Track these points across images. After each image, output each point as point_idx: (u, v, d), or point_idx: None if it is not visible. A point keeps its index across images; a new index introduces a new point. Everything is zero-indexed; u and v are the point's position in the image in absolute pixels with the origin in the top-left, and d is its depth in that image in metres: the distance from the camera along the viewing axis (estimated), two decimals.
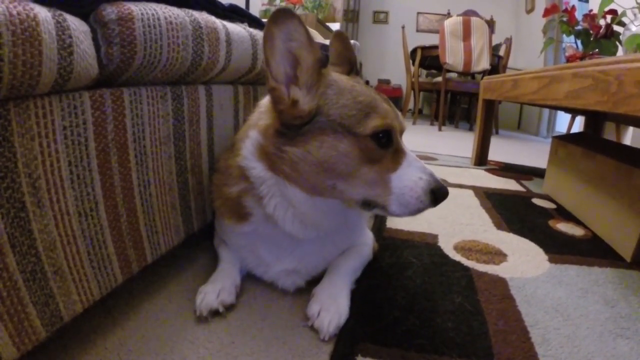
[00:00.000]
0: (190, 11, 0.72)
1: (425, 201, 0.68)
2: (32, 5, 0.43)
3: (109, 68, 0.57)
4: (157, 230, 0.74)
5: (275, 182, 0.73)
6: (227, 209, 0.82)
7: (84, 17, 0.54)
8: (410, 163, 0.70)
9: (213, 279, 0.82)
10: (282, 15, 0.63)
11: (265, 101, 0.79)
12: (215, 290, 0.78)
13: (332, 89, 0.69)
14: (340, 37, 0.91)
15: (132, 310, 0.76)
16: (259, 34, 1.00)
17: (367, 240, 0.97)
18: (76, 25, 0.49)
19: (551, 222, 1.42)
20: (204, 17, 0.75)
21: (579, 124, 3.98)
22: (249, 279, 0.89)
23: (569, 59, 1.85)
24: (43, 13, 0.44)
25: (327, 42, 2.52)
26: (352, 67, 0.88)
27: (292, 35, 0.65)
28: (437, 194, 0.68)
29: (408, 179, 0.69)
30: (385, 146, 0.68)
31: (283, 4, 4.38)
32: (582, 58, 1.78)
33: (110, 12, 0.55)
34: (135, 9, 0.58)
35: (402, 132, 0.76)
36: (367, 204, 0.71)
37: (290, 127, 0.69)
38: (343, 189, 0.70)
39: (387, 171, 0.69)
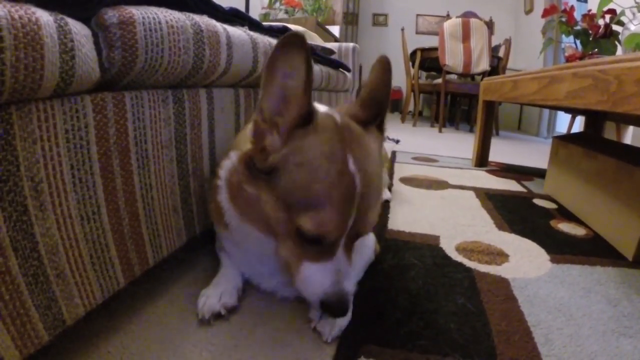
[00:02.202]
0: (191, 15, 0.72)
1: (315, 306, 0.65)
2: (33, 9, 0.43)
3: (110, 72, 0.57)
4: (159, 234, 0.74)
5: (234, 213, 0.73)
6: (216, 215, 0.80)
7: (86, 20, 0.54)
8: (327, 269, 0.63)
9: (215, 282, 0.82)
10: (292, 43, 0.55)
11: None
12: (217, 293, 0.78)
13: (296, 156, 0.60)
14: (381, 68, 0.72)
15: (135, 313, 0.76)
16: (259, 37, 1.01)
17: (368, 242, 0.95)
18: (78, 29, 0.50)
19: (553, 222, 1.42)
20: (204, 21, 0.75)
21: (579, 124, 3.98)
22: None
23: (568, 59, 1.85)
24: (45, 17, 0.44)
25: (326, 44, 2.53)
26: (378, 115, 0.72)
27: (294, 72, 0.57)
28: (326, 307, 0.63)
29: (314, 279, 0.64)
30: (310, 243, 0.62)
31: (283, 7, 4.39)
32: (581, 58, 1.78)
33: (111, 16, 0.55)
34: (137, 12, 0.58)
35: (357, 236, 0.66)
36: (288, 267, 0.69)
37: (253, 166, 0.65)
38: (278, 245, 0.68)
39: (305, 257, 0.64)
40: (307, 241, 0.61)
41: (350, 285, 0.65)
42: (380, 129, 0.73)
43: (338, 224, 0.60)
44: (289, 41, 0.55)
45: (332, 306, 0.63)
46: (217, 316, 0.75)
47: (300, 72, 0.57)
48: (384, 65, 0.72)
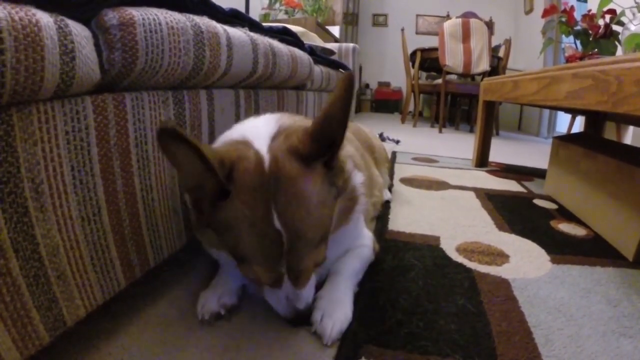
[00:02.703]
0: (191, 16, 0.72)
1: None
2: (34, 10, 0.43)
3: (110, 73, 0.57)
4: (159, 235, 0.74)
5: None
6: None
7: (86, 22, 0.54)
8: (279, 296, 0.68)
9: (214, 283, 0.82)
10: (167, 135, 0.49)
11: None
12: (216, 294, 0.78)
13: (220, 225, 0.62)
14: (341, 88, 0.57)
15: (135, 314, 0.76)
16: (259, 38, 1.01)
17: (366, 242, 0.95)
18: (78, 30, 0.50)
19: (553, 223, 1.42)
20: (205, 22, 0.75)
21: (579, 124, 3.98)
22: None
23: (568, 60, 1.85)
24: (45, 18, 0.44)
25: (326, 45, 2.53)
26: (328, 149, 0.61)
27: (185, 166, 0.55)
28: (288, 322, 0.72)
29: (272, 301, 0.71)
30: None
31: (282, 7, 4.39)
32: (581, 58, 1.78)
33: (111, 17, 0.56)
34: (137, 14, 0.58)
35: (300, 274, 0.66)
36: None
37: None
38: None
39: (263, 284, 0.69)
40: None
41: (302, 304, 0.69)
42: (329, 166, 0.65)
43: (268, 276, 0.64)
44: (164, 133, 0.49)
45: (290, 322, 0.72)
46: (217, 317, 0.75)
47: (190, 164, 0.54)
48: (345, 86, 0.57)
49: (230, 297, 0.79)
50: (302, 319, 0.71)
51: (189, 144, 0.50)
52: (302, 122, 0.72)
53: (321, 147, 0.61)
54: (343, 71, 2.21)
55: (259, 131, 0.67)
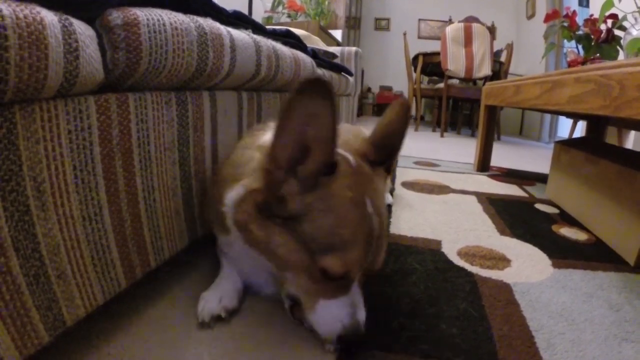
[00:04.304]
0: (195, 17, 0.73)
1: (330, 341, 0.66)
2: (38, 8, 0.43)
3: (114, 73, 0.57)
4: (160, 236, 0.74)
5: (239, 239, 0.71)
6: (217, 220, 0.79)
7: (90, 21, 0.54)
8: (344, 303, 0.65)
9: (215, 284, 0.82)
10: (314, 89, 0.51)
11: (256, 141, 0.74)
12: (217, 296, 0.77)
13: (321, 203, 0.60)
14: (400, 112, 0.71)
15: (136, 315, 0.75)
16: (262, 40, 1.01)
17: None
18: (82, 29, 0.50)
19: (554, 227, 1.41)
20: (208, 23, 0.75)
21: (580, 129, 3.97)
22: None
23: (570, 64, 1.85)
24: (50, 17, 0.44)
25: (329, 48, 2.54)
26: (387, 159, 0.71)
27: (316, 120, 0.54)
28: (342, 340, 0.65)
29: (330, 314, 0.65)
30: (331, 280, 0.63)
31: (285, 11, 4.40)
32: (583, 63, 1.78)
33: (116, 17, 0.56)
34: (141, 14, 0.58)
35: (370, 272, 0.68)
36: (295, 300, 0.71)
37: (266, 209, 0.63)
38: (286, 279, 0.69)
39: (322, 294, 0.65)
40: (328, 278, 0.62)
41: (363, 315, 0.66)
42: (387, 171, 0.73)
43: (361, 263, 0.63)
44: (311, 87, 0.51)
45: (350, 338, 0.64)
46: (218, 319, 0.75)
47: (325, 120, 0.54)
48: (403, 110, 0.71)
49: (231, 300, 0.77)
50: (361, 336, 0.65)
51: (332, 101, 0.52)
52: (348, 128, 0.77)
53: (382, 156, 0.70)
54: (345, 75, 2.21)
55: None
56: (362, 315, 0.66)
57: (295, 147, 0.58)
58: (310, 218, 0.60)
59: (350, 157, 0.65)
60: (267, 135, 0.71)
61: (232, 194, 0.68)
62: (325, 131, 0.55)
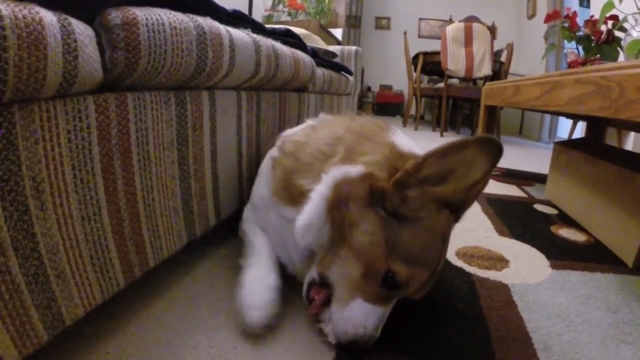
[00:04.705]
0: (195, 16, 0.72)
1: (344, 341, 0.67)
2: (37, 8, 0.43)
3: (113, 72, 0.57)
4: (159, 235, 0.74)
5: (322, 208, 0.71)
6: (288, 191, 0.80)
7: (89, 21, 0.54)
8: (377, 312, 0.67)
9: (254, 289, 0.76)
10: (491, 148, 0.61)
11: (383, 136, 0.78)
12: (265, 304, 0.73)
13: (429, 222, 0.66)
14: (484, 164, 0.66)
15: (134, 314, 0.75)
16: (262, 40, 1.01)
17: None
18: (81, 29, 0.50)
19: (553, 228, 1.42)
20: (208, 23, 0.75)
21: (580, 130, 3.98)
22: None
23: (570, 65, 1.85)
24: (49, 17, 0.44)
25: (330, 47, 2.53)
26: (459, 208, 0.72)
27: (472, 167, 0.63)
28: (353, 345, 0.66)
29: (360, 315, 0.66)
30: (381, 285, 0.66)
31: (286, 9, 4.40)
32: (583, 64, 1.78)
33: (115, 16, 0.56)
34: (140, 14, 0.58)
35: (414, 297, 0.71)
36: (322, 282, 0.71)
37: (379, 198, 0.66)
38: (332, 262, 0.70)
39: (364, 294, 0.67)
40: (385, 282, 0.66)
41: (379, 332, 0.68)
42: (456, 220, 0.75)
43: (421, 284, 0.68)
44: (490, 145, 0.60)
45: (360, 347, 0.66)
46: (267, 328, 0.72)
47: (476, 173, 0.63)
48: (489, 168, 0.70)
49: (277, 307, 0.75)
50: (367, 349, 0.67)
51: (494, 165, 0.62)
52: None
53: (459, 205, 0.72)
54: (345, 74, 2.21)
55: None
56: (379, 331, 0.68)
57: (440, 172, 0.64)
58: (414, 228, 0.65)
59: None
60: (398, 138, 0.79)
61: (343, 170, 0.71)
62: (471, 180, 0.64)
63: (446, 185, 0.65)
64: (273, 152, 0.91)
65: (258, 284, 0.77)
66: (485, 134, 0.62)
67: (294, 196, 0.76)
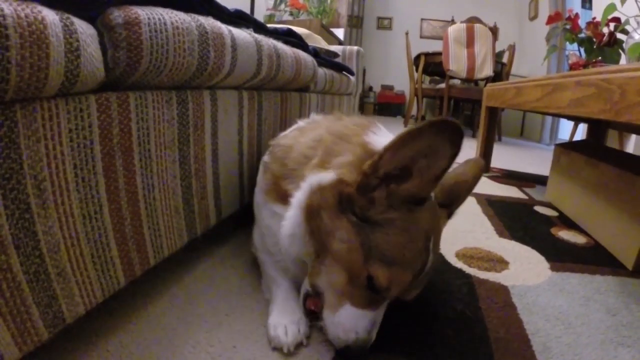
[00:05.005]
0: (197, 16, 0.73)
1: (336, 346, 0.68)
2: (40, 7, 0.43)
3: (115, 72, 0.57)
4: (160, 234, 0.74)
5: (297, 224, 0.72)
6: (276, 194, 0.81)
7: (91, 20, 0.55)
8: (367, 317, 0.66)
9: (282, 308, 0.76)
10: (449, 131, 0.55)
11: (359, 135, 0.75)
12: (295, 321, 0.73)
13: (401, 223, 0.63)
14: (476, 172, 0.80)
15: (134, 313, 0.76)
16: (264, 39, 1.01)
17: None
18: (83, 28, 0.50)
19: (553, 230, 1.42)
20: (210, 22, 0.75)
21: (581, 131, 3.98)
22: (252, 282, 0.89)
23: (572, 67, 1.85)
24: (51, 16, 0.44)
25: (331, 47, 2.53)
26: (451, 205, 0.76)
27: (434, 156, 0.58)
28: (347, 351, 0.66)
29: (350, 321, 0.66)
30: (366, 289, 0.64)
31: (287, 9, 4.40)
32: (585, 66, 1.78)
33: (117, 16, 0.56)
34: (142, 13, 0.58)
35: (405, 298, 0.70)
36: (317, 293, 0.71)
37: (347, 203, 0.65)
38: (319, 272, 0.70)
39: (352, 299, 0.66)
40: (368, 286, 0.64)
41: (374, 335, 0.67)
42: (448, 216, 0.77)
43: (404, 286, 0.65)
44: (447, 127, 0.55)
45: (355, 351, 0.66)
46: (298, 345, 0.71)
47: (441, 162, 0.58)
48: (478, 168, 0.81)
49: (306, 325, 0.74)
50: (364, 355, 0.67)
51: (458, 150, 0.56)
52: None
53: (448, 201, 0.76)
54: (347, 74, 2.21)
55: None
56: (374, 335, 0.67)
57: (400, 166, 0.61)
58: (386, 231, 0.63)
59: (432, 193, 0.70)
60: (375, 137, 0.74)
61: (318, 177, 0.70)
62: (436, 170, 0.59)
63: (412, 181, 0.61)
64: (265, 156, 0.92)
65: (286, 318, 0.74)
66: (439, 117, 0.56)
67: (284, 197, 0.77)
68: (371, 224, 0.63)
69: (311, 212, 0.69)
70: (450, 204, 0.76)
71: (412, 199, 0.64)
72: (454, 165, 0.62)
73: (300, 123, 0.95)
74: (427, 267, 0.67)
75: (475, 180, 0.80)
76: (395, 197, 0.63)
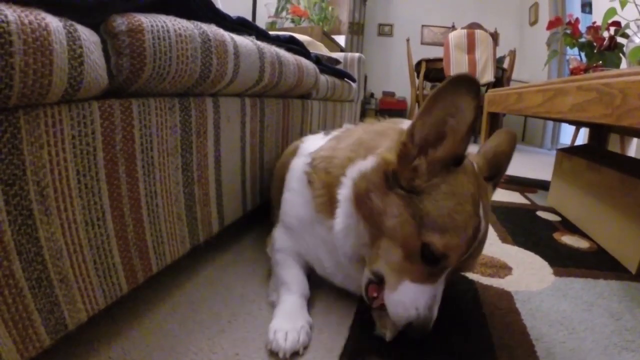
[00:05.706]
0: (199, 23, 0.73)
1: (398, 325, 0.68)
2: (43, 14, 0.44)
3: (118, 79, 0.58)
4: (162, 241, 0.74)
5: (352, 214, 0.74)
6: (323, 203, 0.82)
7: (95, 27, 0.55)
8: (427, 291, 0.66)
9: (288, 313, 0.76)
10: (465, 85, 0.59)
11: (396, 126, 0.78)
12: (297, 328, 0.72)
13: (447, 186, 0.65)
14: (510, 142, 0.82)
15: (137, 319, 0.76)
16: (266, 46, 1.01)
17: None
18: (87, 35, 0.50)
19: (556, 235, 1.41)
20: (212, 30, 0.76)
21: (583, 136, 3.97)
22: (254, 289, 0.88)
23: (572, 71, 1.85)
24: (54, 22, 0.45)
25: (333, 54, 2.54)
26: (494, 177, 0.79)
27: (458, 113, 0.61)
28: (410, 329, 0.66)
29: (410, 297, 0.66)
30: (423, 262, 0.65)
31: (289, 16, 4.42)
32: (586, 70, 1.79)
33: (120, 23, 0.56)
34: (145, 20, 0.59)
35: (463, 269, 0.73)
36: (378, 278, 0.71)
37: (394, 180, 0.68)
38: (377, 255, 0.71)
39: (410, 274, 0.67)
40: (425, 258, 0.65)
41: (436, 313, 0.68)
42: (494, 187, 0.80)
43: (462, 252, 0.65)
44: (463, 81, 0.59)
45: (418, 328, 0.66)
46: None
47: (466, 115, 0.61)
48: (511, 137, 0.83)
49: (308, 335, 0.73)
50: (428, 331, 0.66)
51: (478, 102, 0.60)
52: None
53: (491, 173, 0.78)
54: (348, 81, 2.22)
55: None
56: (435, 312, 0.68)
57: (433, 131, 0.64)
58: (434, 197, 0.65)
59: (474, 163, 0.72)
60: (406, 124, 0.76)
61: (358, 167, 0.73)
62: (463, 125, 0.62)
63: (446, 142, 0.64)
64: (304, 169, 0.89)
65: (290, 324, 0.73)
66: (454, 74, 0.60)
67: (334, 209, 0.78)
68: (419, 194, 0.65)
69: (360, 199, 0.71)
70: (494, 175, 0.79)
71: (451, 160, 0.66)
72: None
73: (335, 132, 0.95)
74: (480, 234, 0.67)
75: (512, 148, 0.82)
76: (435, 163, 0.65)
